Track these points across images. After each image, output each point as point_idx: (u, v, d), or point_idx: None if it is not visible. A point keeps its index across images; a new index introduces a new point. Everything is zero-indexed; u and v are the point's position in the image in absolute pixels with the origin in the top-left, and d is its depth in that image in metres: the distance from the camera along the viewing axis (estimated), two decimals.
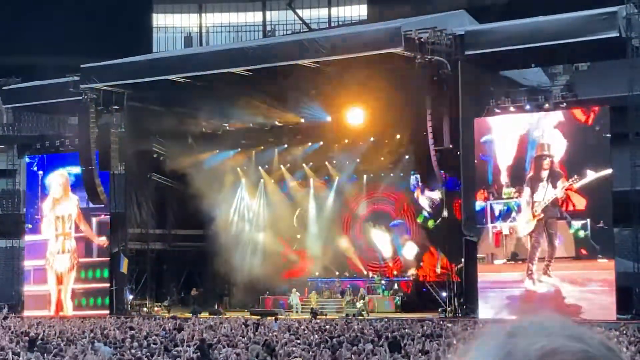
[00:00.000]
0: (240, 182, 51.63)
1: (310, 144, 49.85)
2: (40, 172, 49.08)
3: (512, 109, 38.18)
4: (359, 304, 43.19)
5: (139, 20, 65.89)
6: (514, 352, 1.56)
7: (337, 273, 47.83)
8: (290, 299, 45.49)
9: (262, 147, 50.72)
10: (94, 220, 47.04)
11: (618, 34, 35.22)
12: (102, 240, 46.75)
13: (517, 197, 37.43)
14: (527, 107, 37.98)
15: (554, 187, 36.27)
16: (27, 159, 50.43)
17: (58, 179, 48.26)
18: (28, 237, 49.37)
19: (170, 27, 69.24)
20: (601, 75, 38.23)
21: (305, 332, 28.75)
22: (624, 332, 27.02)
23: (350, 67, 39.30)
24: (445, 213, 40.35)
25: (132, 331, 29.26)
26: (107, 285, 46.04)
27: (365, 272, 47.54)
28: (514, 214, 37.57)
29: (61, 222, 47.84)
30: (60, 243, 47.81)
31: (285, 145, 50.41)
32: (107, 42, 54.48)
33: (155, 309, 46.13)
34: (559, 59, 39.91)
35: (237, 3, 68.62)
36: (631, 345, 21.59)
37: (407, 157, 45.87)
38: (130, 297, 46.60)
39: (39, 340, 25.00)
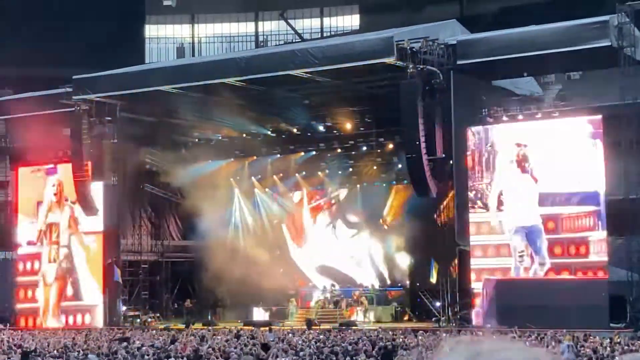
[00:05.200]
0: (233, 192, 51.59)
1: (302, 153, 49.87)
2: (33, 183, 48.93)
3: (505, 118, 38.23)
4: (346, 313, 43.66)
5: (132, 31, 65.80)
6: None
7: (331, 283, 47.77)
8: (290, 308, 45.52)
9: (255, 157, 50.71)
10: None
11: (610, 43, 35.25)
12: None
13: None
14: (520, 116, 38.04)
15: None
16: (19, 171, 50.23)
17: (50, 191, 48.09)
18: (21, 250, 49.19)
19: (162, 37, 69.16)
20: (593, 84, 38.26)
21: (300, 342, 28.69)
22: (619, 340, 27.05)
23: (343, 77, 39.33)
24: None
25: (125, 343, 29.17)
26: (100, 298, 45.86)
27: (358, 282, 47.44)
28: None
29: (50, 232, 47.70)
30: (48, 253, 47.71)
31: (278, 155, 50.41)
32: (99, 53, 54.39)
33: (149, 320, 45.98)
34: (551, 68, 39.89)
35: (230, 14, 68.56)
36: (624, 354, 21.57)
37: (399, 166, 45.88)
38: (124, 308, 46.47)
39: (32, 353, 24.91)
